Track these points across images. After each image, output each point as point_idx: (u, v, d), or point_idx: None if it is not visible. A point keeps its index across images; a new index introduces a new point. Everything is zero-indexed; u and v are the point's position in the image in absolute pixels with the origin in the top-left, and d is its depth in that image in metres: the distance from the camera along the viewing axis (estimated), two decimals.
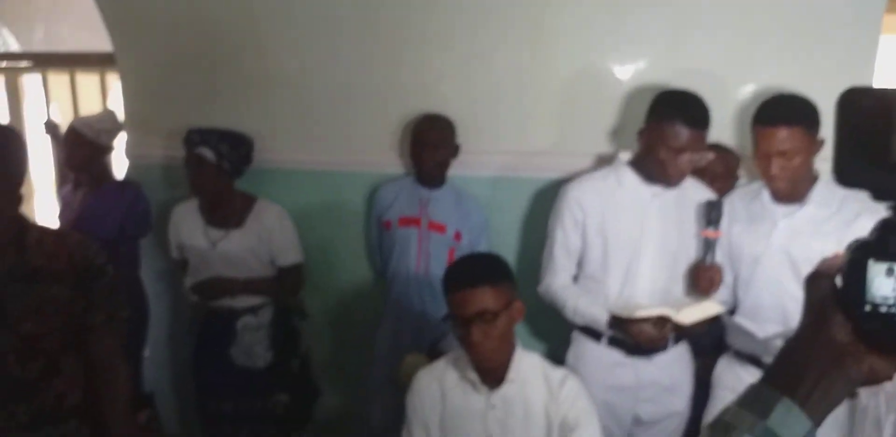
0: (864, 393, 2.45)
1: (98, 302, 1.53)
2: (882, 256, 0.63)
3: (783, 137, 1.97)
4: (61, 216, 2.89)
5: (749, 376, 2.16)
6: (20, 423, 1.41)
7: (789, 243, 2.06)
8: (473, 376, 1.72)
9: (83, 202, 2.77)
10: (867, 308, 0.63)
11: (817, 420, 0.65)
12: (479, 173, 2.71)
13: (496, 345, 1.63)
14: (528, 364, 1.74)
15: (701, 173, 2.25)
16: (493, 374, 1.71)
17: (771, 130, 1.99)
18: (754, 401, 0.66)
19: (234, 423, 2.75)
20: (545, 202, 2.47)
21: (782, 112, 2.01)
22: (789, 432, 0.64)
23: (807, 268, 2.27)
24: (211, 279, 2.63)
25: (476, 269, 1.69)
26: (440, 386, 1.76)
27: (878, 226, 0.64)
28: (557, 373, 1.76)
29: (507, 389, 1.71)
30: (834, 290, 0.67)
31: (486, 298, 1.61)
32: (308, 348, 2.85)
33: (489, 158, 2.68)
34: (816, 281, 0.69)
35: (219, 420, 2.77)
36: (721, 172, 2.35)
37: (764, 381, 0.68)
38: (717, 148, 2.29)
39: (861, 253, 0.64)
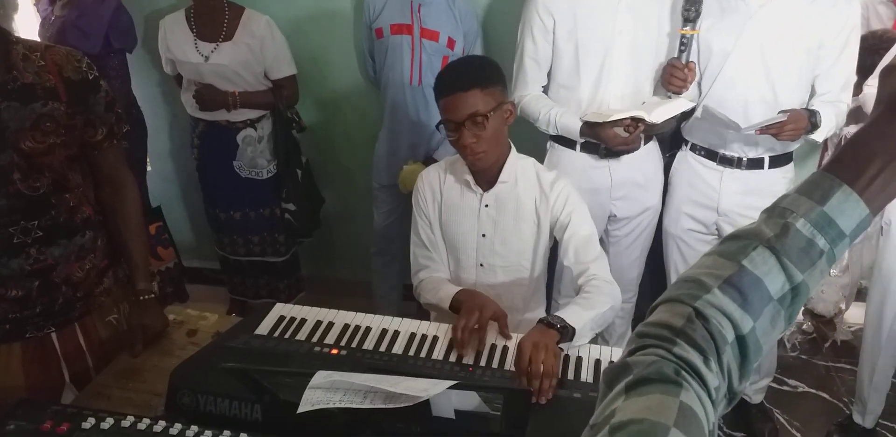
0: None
1: (97, 117, 1.52)
2: None
3: None
4: (41, 32, 2.79)
5: (704, 169, 2.26)
6: (36, 238, 1.46)
7: (762, 37, 2.03)
8: (469, 177, 1.79)
9: (62, 16, 2.66)
10: None
11: (874, 209, 0.66)
12: None
13: (487, 147, 1.68)
14: (521, 167, 1.80)
15: None
16: (486, 175, 1.78)
17: None
18: (813, 189, 0.67)
19: (244, 232, 2.91)
20: None
21: None
22: (845, 218, 0.66)
23: (777, 64, 2.26)
24: (206, 86, 2.62)
25: (466, 72, 1.68)
26: (440, 184, 1.85)
27: None
28: (549, 176, 1.82)
29: (499, 189, 1.79)
30: None
31: (476, 101, 1.63)
32: (308, 159, 2.92)
33: None
34: (891, 74, 0.67)
35: (229, 230, 2.92)
36: None
37: (825, 170, 0.68)
38: None
39: None
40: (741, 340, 0.65)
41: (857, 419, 2.45)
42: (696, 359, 0.63)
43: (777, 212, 0.68)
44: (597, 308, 1.59)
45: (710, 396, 0.62)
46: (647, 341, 0.66)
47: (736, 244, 0.68)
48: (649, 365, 0.62)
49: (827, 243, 0.66)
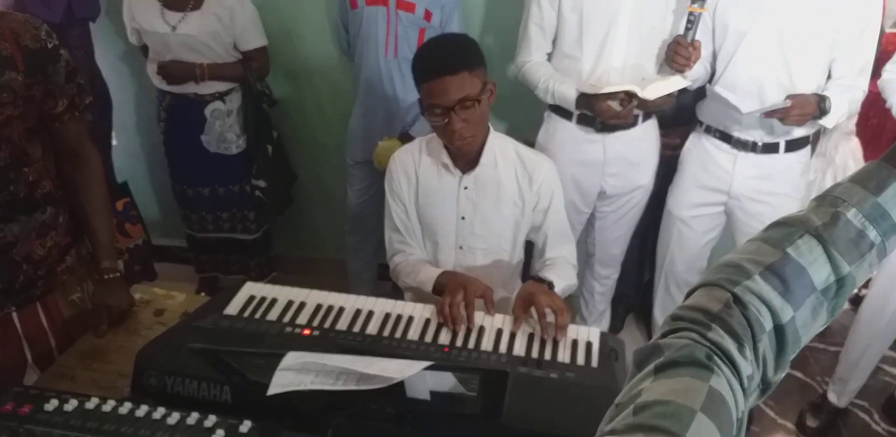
0: None
1: (57, 88, 1.46)
2: None
3: None
4: None
5: (718, 151, 2.23)
6: None
7: (781, 19, 1.99)
8: (447, 159, 1.74)
9: None
10: None
11: None
12: None
13: (476, 130, 1.64)
14: (500, 147, 1.75)
15: None
16: (466, 158, 1.74)
17: None
18: (868, 178, 0.65)
19: (213, 208, 2.85)
20: None
21: None
22: None
23: (794, 46, 2.21)
24: (174, 61, 2.55)
25: (451, 54, 1.60)
26: (415, 167, 1.79)
27: None
28: (533, 156, 1.78)
29: (479, 171, 1.74)
30: None
31: (465, 84, 1.56)
32: (280, 134, 2.85)
33: None
34: None
35: (198, 207, 2.85)
36: None
37: (883, 160, 0.66)
38: None
39: None
40: (779, 329, 0.63)
41: (831, 398, 2.47)
42: (730, 345, 0.61)
43: (828, 200, 0.66)
44: (567, 280, 1.71)
45: (741, 384, 0.60)
46: (681, 324, 0.64)
47: (781, 231, 0.66)
48: (681, 348, 0.61)
49: (878, 236, 0.64)
